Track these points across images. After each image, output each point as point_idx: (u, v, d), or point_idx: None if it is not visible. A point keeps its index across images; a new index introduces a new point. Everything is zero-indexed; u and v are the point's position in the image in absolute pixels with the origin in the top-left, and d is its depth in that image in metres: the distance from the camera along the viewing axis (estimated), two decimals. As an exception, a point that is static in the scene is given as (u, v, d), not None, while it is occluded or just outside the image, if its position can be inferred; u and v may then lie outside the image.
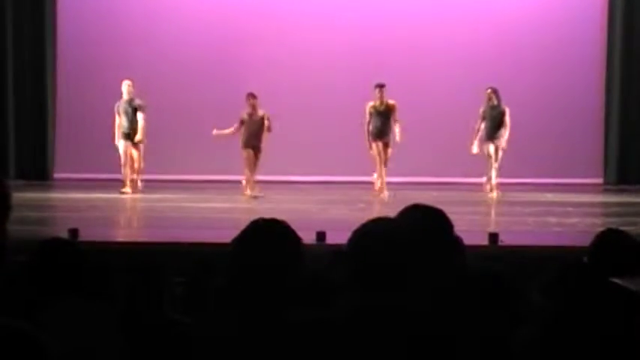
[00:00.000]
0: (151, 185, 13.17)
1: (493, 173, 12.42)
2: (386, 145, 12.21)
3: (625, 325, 2.91)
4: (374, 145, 12.22)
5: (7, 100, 14.31)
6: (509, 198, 11.75)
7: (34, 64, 14.36)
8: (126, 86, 12.37)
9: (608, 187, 14.20)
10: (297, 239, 2.66)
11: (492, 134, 12.49)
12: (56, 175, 14.09)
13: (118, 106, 12.33)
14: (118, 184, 12.96)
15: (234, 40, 14.44)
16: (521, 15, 14.48)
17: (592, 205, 12.21)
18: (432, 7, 14.61)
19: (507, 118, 12.56)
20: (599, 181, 14.45)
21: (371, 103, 12.29)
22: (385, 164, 12.24)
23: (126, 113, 12.25)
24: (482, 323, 2.74)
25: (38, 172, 14.23)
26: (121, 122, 12.29)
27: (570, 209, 10.96)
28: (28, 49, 14.33)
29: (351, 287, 2.57)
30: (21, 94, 14.38)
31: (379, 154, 12.24)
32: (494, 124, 12.53)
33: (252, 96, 12.14)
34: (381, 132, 12.18)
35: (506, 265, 5.84)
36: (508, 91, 13.55)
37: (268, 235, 2.64)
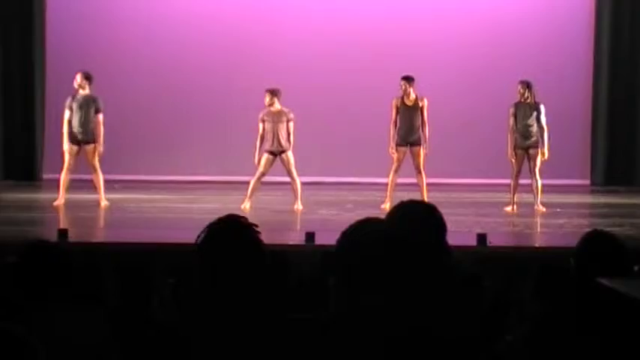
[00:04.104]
0: (140, 186, 13.18)
1: (533, 186, 10.91)
2: (413, 145, 10.95)
3: (612, 326, 2.93)
4: (399, 149, 10.97)
5: (-5, 100, 14.29)
6: (497, 199, 11.78)
7: (23, 65, 14.32)
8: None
9: (596, 188, 14.25)
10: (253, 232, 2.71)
11: (527, 140, 10.93)
12: (45, 176, 14.06)
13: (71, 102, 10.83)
14: (107, 184, 12.95)
15: (228, 41, 14.42)
16: (507, 16, 14.52)
17: (579, 206, 12.25)
18: (418, 6, 14.63)
19: (543, 118, 10.96)
20: (587, 182, 14.50)
21: (397, 98, 11.05)
22: (418, 170, 10.94)
23: (80, 110, 10.75)
24: (469, 325, 2.77)
25: (27, 172, 14.19)
26: (72, 121, 10.76)
27: (558, 210, 11.00)
28: (16, 49, 14.29)
29: (340, 288, 2.59)
30: (10, 94, 14.35)
31: (398, 159, 10.98)
32: (527, 125, 10.92)
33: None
34: (409, 131, 10.95)
35: (495, 266, 5.87)
36: (494, 91, 13.59)
37: (225, 235, 2.69)
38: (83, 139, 10.81)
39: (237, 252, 2.66)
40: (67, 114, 10.81)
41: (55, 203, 10.83)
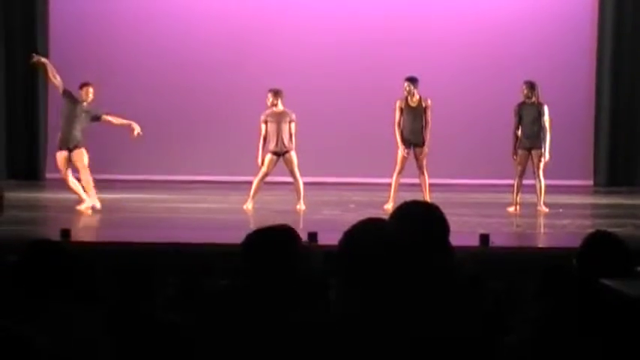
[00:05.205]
0: (143, 186, 13.20)
1: (536, 186, 10.98)
2: (417, 146, 11.00)
3: (615, 327, 2.93)
4: (403, 149, 11.00)
5: (-2, 100, 14.33)
6: (499, 199, 11.78)
7: (26, 65, 14.33)
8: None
9: (598, 188, 14.25)
10: (299, 242, 2.69)
11: (530, 140, 10.94)
12: (48, 176, 14.08)
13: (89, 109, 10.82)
14: (110, 184, 12.97)
15: (232, 41, 14.43)
16: (509, 16, 14.51)
17: (582, 206, 12.25)
18: (420, 6, 14.63)
19: (546, 119, 10.96)
20: (589, 182, 14.50)
21: (401, 99, 11.05)
22: (421, 170, 10.99)
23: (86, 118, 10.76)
24: (471, 325, 2.76)
25: (30, 172, 14.21)
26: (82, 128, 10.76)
27: (560, 211, 11.00)
28: (19, 48, 14.31)
29: (342, 288, 2.59)
30: (12, 93, 14.37)
31: (402, 161, 11.00)
32: (531, 126, 10.92)
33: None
34: (413, 133, 10.97)
35: (497, 267, 5.87)
36: (497, 92, 13.59)
37: (273, 243, 2.67)
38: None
39: (283, 261, 2.64)
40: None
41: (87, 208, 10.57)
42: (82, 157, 10.68)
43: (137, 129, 10.90)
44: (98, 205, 10.54)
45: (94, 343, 3.09)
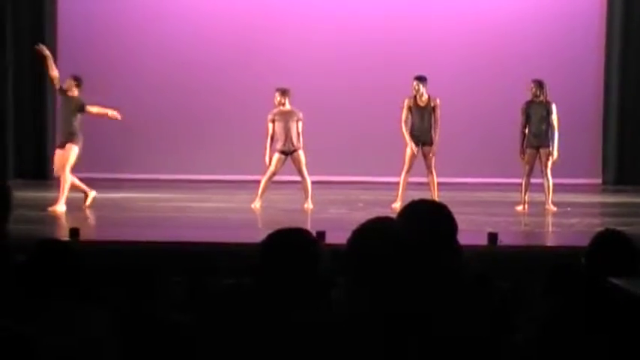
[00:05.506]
0: (149, 185, 13.21)
1: (544, 185, 10.99)
2: (425, 145, 10.97)
3: (622, 325, 2.92)
4: (413, 145, 10.97)
5: (6, 99, 14.34)
6: (508, 198, 11.76)
7: (33, 64, 14.36)
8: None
9: (607, 187, 14.23)
10: (316, 245, 2.68)
11: (538, 138, 10.93)
12: (56, 175, 14.10)
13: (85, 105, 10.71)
14: (117, 183, 12.99)
15: (238, 41, 14.43)
16: (516, 14, 14.48)
17: (590, 205, 12.22)
18: (427, 5, 14.63)
19: (554, 117, 10.98)
20: (598, 181, 14.47)
21: (410, 98, 11.01)
22: (429, 169, 10.98)
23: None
24: (479, 324, 2.76)
25: (38, 171, 14.24)
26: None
27: (568, 209, 10.98)
28: (27, 49, 14.32)
29: (350, 288, 2.59)
30: (20, 93, 14.40)
31: (410, 158, 10.98)
32: (539, 124, 10.91)
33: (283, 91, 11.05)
34: (421, 132, 10.95)
35: (505, 266, 5.86)
36: (505, 90, 13.56)
37: (291, 246, 2.66)
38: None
39: (302, 262, 2.63)
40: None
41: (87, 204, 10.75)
42: (69, 152, 10.63)
43: (116, 114, 10.80)
44: (62, 209, 10.45)
45: (98, 342, 3.09)
